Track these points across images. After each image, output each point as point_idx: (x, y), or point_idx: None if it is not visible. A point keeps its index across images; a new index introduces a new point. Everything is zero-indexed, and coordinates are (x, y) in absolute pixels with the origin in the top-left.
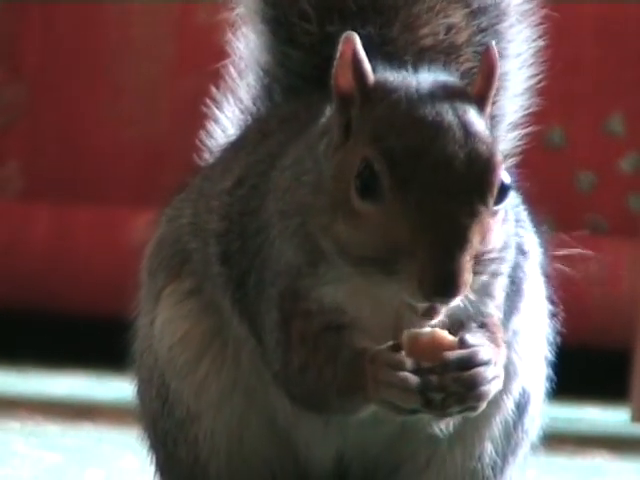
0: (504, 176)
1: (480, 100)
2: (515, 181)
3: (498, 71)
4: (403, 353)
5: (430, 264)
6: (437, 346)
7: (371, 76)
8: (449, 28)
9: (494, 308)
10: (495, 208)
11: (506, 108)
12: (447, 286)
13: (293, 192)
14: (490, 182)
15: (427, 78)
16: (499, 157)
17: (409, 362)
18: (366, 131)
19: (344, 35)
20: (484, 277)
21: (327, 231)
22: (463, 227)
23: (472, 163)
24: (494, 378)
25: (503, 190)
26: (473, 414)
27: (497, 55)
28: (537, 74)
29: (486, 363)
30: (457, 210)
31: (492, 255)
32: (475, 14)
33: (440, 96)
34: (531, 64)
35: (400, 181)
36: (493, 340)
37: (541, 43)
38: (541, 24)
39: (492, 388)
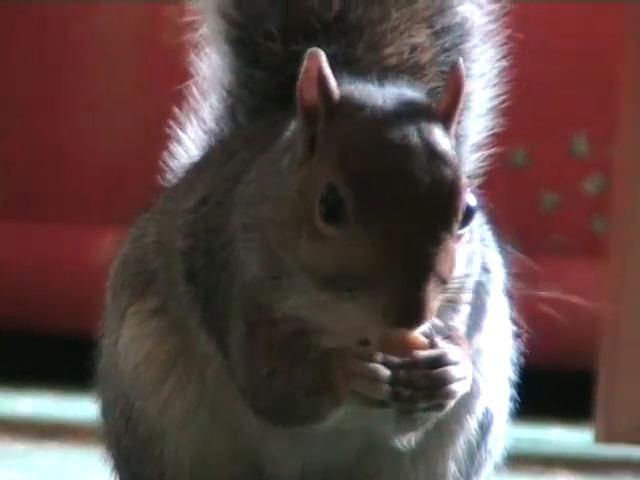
0: (469, 199)
1: (446, 118)
2: (479, 201)
3: (465, 89)
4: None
5: (395, 293)
6: (408, 344)
7: (336, 91)
8: (413, 47)
9: (459, 323)
10: (460, 232)
11: (470, 128)
12: (413, 315)
13: (257, 206)
14: (455, 207)
15: (393, 94)
16: (464, 180)
17: (378, 354)
18: (331, 151)
19: (309, 51)
20: (449, 300)
21: (290, 247)
22: (429, 254)
23: (437, 188)
24: (462, 378)
25: (468, 213)
26: (439, 413)
27: (464, 73)
28: (501, 94)
29: (455, 363)
30: (422, 237)
31: (456, 278)
32: (439, 34)
33: (406, 115)
34: (495, 84)
35: (365, 207)
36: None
37: (505, 63)
38: (505, 44)
39: (459, 388)
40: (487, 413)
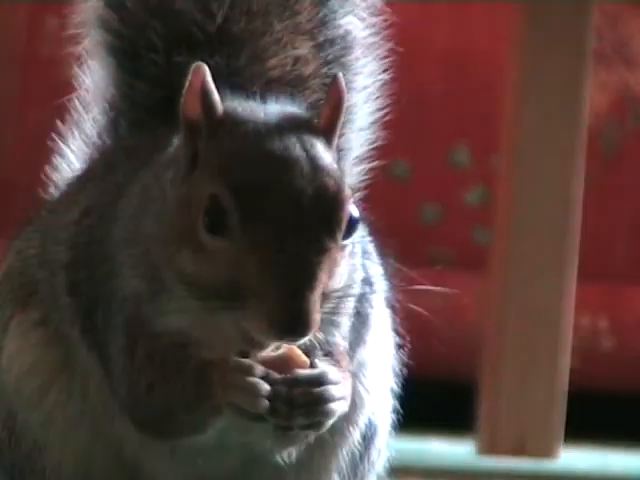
0: (352, 210)
1: (327, 131)
2: (362, 213)
3: (345, 101)
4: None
5: (279, 304)
6: (288, 360)
7: (219, 107)
8: (296, 60)
9: (340, 338)
10: (343, 243)
11: (352, 142)
12: (297, 326)
13: (138, 221)
14: (339, 217)
15: (275, 110)
16: (347, 191)
17: (259, 368)
18: (214, 164)
19: (194, 65)
20: (331, 310)
21: (170, 262)
22: (312, 265)
23: (320, 198)
24: (341, 398)
25: (352, 224)
26: (316, 432)
27: (344, 86)
28: (383, 107)
29: (334, 383)
30: (306, 247)
31: (339, 289)
32: (322, 46)
33: (287, 129)
34: (377, 97)
35: (248, 218)
36: (337, 367)
37: (387, 76)
38: (387, 57)
39: (338, 407)
40: (370, 425)
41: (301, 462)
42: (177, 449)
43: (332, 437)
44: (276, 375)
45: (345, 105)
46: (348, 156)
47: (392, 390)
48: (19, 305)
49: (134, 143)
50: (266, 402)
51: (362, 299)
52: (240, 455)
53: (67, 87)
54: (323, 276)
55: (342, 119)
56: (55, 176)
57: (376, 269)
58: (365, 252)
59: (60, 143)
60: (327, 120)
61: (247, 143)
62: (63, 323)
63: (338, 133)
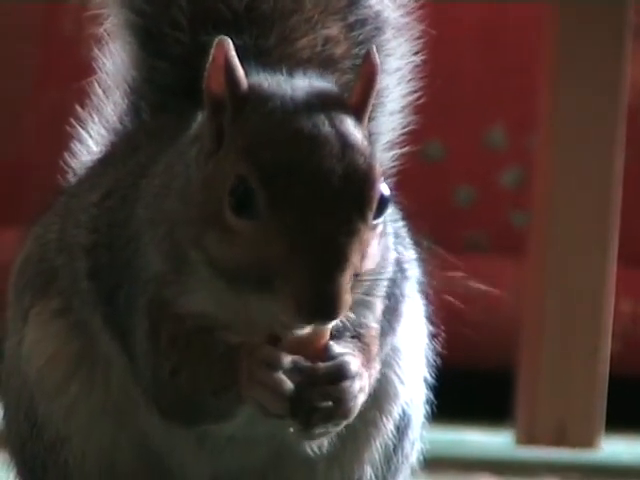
0: (383, 188)
1: (358, 107)
2: (394, 197)
3: (378, 76)
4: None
5: (308, 286)
6: (313, 341)
7: (244, 82)
8: (326, 40)
9: (373, 321)
10: (374, 222)
11: (383, 126)
12: (327, 308)
13: (162, 199)
14: (369, 197)
15: (303, 85)
16: (378, 169)
17: (287, 359)
18: (239, 143)
19: (217, 40)
20: (363, 293)
21: (196, 242)
22: (342, 246)
23: (350, 178)
24: (360, 391)
25: (382, 203)
26: (337, 429)
27: (377, 60)
28: (416, 90)
29: (353, 376)
30: (335, 228)
31: (372, 271)
32: (353, 26)
33: (316, 105)
34: (409, 80)
35: (276, 198)
36: (365, 352)
37: (419, 58)
38: (419, 38)
39: (358, 403)
40: (404, 416)
41: (333, 454)
42: (204, 440)
43: (365, 428)
44: (302, 363)
45: (378, 78)
46: (379, 141)
47: (426, 380)
48: (38, 294)
49: (157, 125)
50: (286, 404)
51: (393, 285)
52: (269, 447)
53: (87, 69)
54: (353, 257)
55: (375, 93)
56: (73, 162)
57: (409, 254)
58: (398, 236)
59: (79, 128)
60: (358, 96)
61: (274, 121)
62: (84, 310)
63: (370, 107)
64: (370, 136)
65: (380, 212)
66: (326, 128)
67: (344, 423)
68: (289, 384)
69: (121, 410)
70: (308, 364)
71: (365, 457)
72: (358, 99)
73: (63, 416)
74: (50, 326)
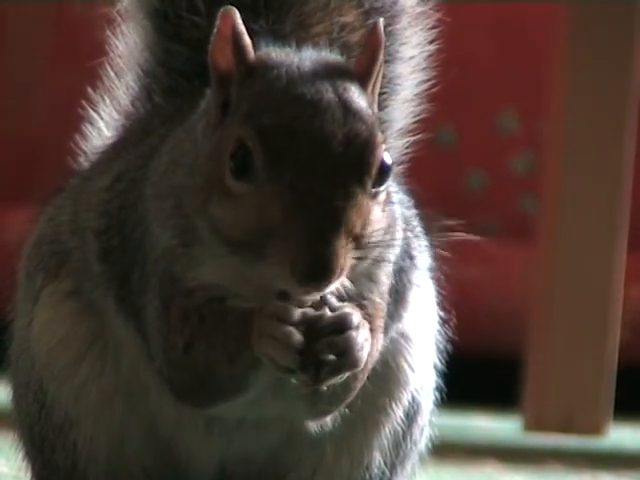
0: (385, 156)
1: (363, 76)
2: (406, 185)
3: (383, 47)
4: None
5: (302, 248)
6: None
7: (251, 52)
8: (342, 27)
9: (379, 294)
10: (375, 190)
11: (396, 113)
12: (321, 271)
13: (170, 175)
14: (368, 163)
15: (309, 55)
16: (379, 137)
17: (296, 312)
18: (243, 108)
19: (222, 10)
20: (367, 261)
21: (201, 212)
22: (337, 209)
23: (349, 143)
24: (366, 341)
25: (384, 171)
26: (347, 393)
27: (383, 31)
28: (429, 79)
29: (357, 326)
30: (331, 192)
31: (374, 239)
32: (369, 14)
33: (321, 73)
34: (423, 68)
35: (274, 161)
36: (369, 321)
37: (435, 46)
38: (434, 27)
39: (364, 354)
40: (413, 403)
41: (342, 438)
42: (213, 425)
43: (375, 414)
44: (311, 312)
45: (383, 48)
46: (392, 128)
47: (436, 367)
48: (50, 275)
49: (171, 109)
50: (296, 357)
51: (401, 273)
52: (278, 431)
53: (100, 51)
54: (349, 221)
55: (380, 62)
56: (85, 144)
57: (419, 242)
58: (408, 223)
59: (90, 110)
60: (363, 65)
61: (277, 86)
62: (96, 292)
63: (375, 76)
64: (383, 124)
65: (381, 180)
66: (329, 94)
67: (352, 372)
68: (298, 336)
69: (131, 393)
70: (316, 313)
71: (374, 443)
72: (363, 68)
73: (73, 398)
74: (61, 307)
